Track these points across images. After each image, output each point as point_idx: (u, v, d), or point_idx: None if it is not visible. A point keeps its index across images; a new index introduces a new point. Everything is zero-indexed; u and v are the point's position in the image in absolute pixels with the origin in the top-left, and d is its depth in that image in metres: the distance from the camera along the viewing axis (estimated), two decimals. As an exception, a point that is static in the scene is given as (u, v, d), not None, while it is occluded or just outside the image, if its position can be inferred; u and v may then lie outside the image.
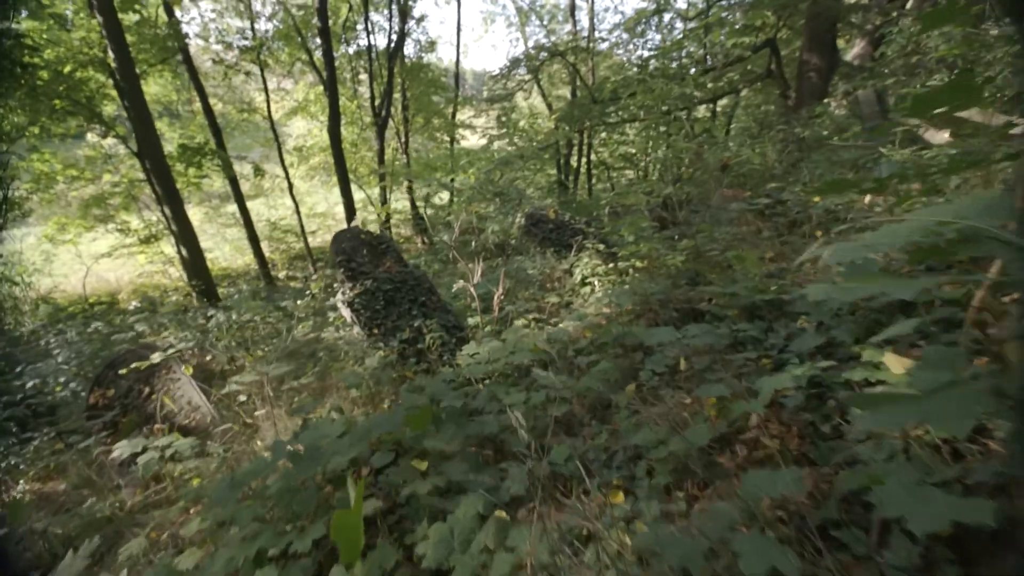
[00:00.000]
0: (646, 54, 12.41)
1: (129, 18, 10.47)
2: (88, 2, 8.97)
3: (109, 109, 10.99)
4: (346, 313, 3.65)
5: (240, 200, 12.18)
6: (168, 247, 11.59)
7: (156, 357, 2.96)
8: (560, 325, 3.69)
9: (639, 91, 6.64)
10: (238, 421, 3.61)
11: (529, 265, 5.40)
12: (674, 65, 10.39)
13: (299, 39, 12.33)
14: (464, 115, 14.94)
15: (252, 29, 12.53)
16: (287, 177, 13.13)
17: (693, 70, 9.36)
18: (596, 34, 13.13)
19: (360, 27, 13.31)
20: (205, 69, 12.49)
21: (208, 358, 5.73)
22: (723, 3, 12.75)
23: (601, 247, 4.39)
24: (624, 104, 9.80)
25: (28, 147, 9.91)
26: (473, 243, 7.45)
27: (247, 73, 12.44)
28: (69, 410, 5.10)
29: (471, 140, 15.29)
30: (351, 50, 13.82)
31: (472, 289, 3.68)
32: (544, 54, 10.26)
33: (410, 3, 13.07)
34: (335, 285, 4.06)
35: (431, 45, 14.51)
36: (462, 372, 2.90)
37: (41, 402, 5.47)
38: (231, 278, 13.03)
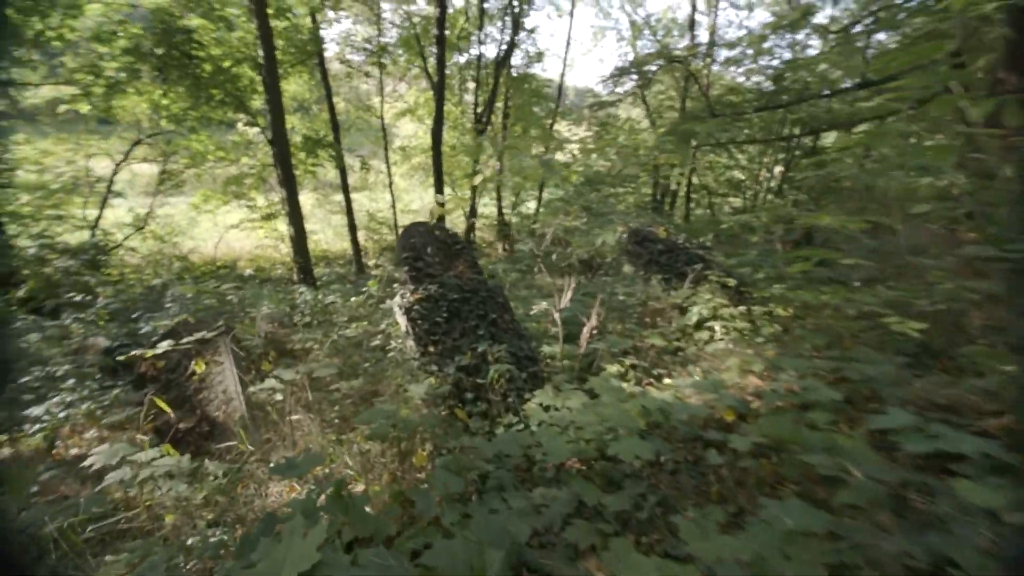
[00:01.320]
0: (772, 70, 10.52)
1: (279, 24, 11.20)
2: (249, 8, 9.65)
3: (257, 103, 11.93)
4: (402, 321, 2.85)
5: (346, 190, 12.61)
6: (283, 226, 12.26)
7: (164, 346, 2.36)
8: (671, 384, 2.54)
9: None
10: (266, 424, 3.00)
11: (621, 290, 4.26)
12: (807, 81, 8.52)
13: (417, 46, 12.43)
14: (561, 126, 14.07)
15: (379, 35, 12.90)
16: (389, 174, 13.33)
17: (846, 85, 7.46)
18: (715, 48, 11.48)
19: (473, 37, 13.12)
20: (334, 71, 13.10)
21: (283, 333, 5.42)
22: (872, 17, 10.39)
23: (731, 282, 3.13)
24: (747, 122, 8.19)
25: (189, 128, 11.02)
26: (554, 256, 6.45)
27: (366, 74, 12.81)
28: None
29: (564, 156, 14.40)
30: (462, 59, 13.70)
31: (556, 315, 2.67)
32: (659, 61, 8.99)
33: (523, 15, 12.56)
34: (395, 286, 3.30)
35: (539, 56, 13.86)
36: (531, 438, 1.90)
37: (133, 353, 5.49)
38: (328, 260, 13.51)
